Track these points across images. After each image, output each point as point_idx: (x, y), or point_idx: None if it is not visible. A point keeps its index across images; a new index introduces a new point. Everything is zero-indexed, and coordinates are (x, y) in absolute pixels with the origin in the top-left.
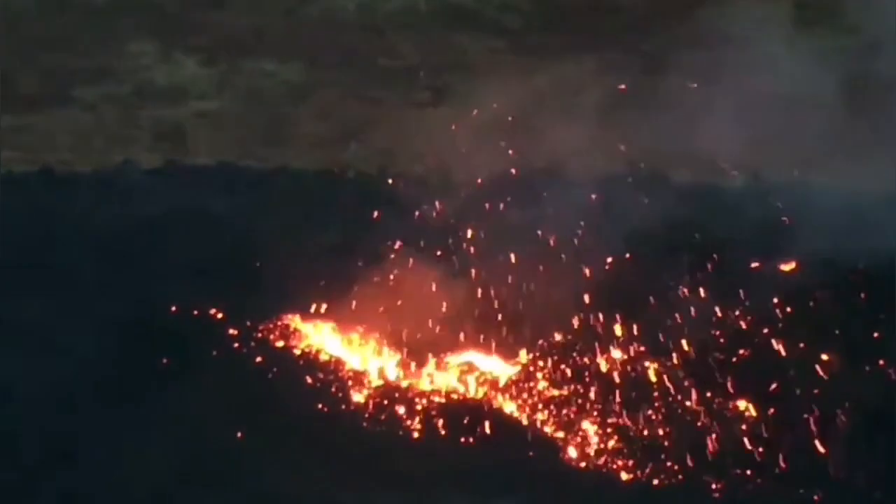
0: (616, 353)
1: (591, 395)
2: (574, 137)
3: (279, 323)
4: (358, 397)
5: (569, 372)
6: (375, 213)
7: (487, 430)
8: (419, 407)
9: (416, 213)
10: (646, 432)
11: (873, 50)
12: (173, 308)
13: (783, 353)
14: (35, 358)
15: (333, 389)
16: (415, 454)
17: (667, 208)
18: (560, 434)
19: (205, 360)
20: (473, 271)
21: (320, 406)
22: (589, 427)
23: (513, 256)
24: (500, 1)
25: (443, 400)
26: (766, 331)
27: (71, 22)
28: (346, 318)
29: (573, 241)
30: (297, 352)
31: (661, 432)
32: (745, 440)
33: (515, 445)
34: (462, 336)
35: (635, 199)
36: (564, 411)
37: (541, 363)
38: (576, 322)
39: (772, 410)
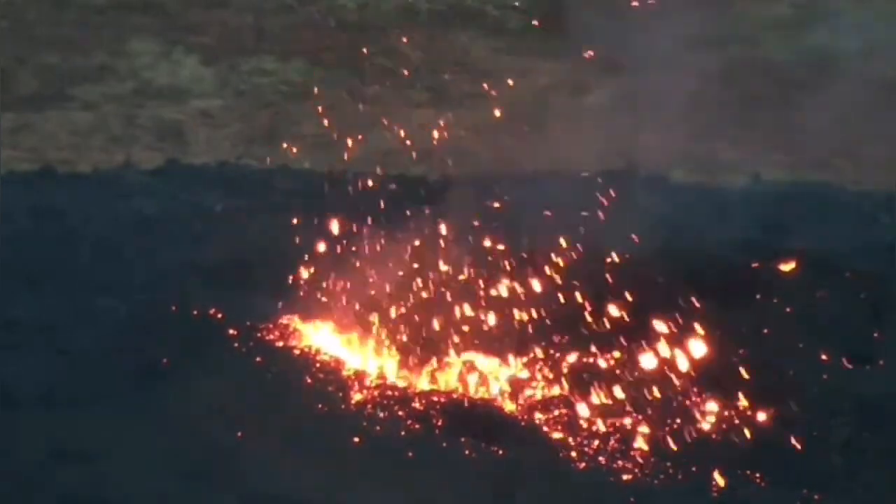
0: (616, 354)
1: (591, 395)
2: (574, 137)
3: (279, 323)
4: (358, 397)
5: (569, 372)
6: (375, 214)
7: (487, 430)
8: (419, 407)
9: (416, 213)
10: (646, 432)
11: None
12: (173, 308)
13: (783, 353)
14: (35, 358)
15: (333, 389)
16: (415, 454)
17: (666, 208)
18: (560, 434)
19: (205, 360)
20: (474, 271)
21: (320, 406)
22: (589, 427)
23: (513, 256)
24: (501, 1)
25: (443, 400)
26: (766, 331)
27: (71, 21)
28: (345, 318)
29: (573, 241)
30: (297, 352)
31: (661, 432)
32: (746, 440)
33: (515, 445)
34: (462, 336)
35: (635, 198)
36: (564, 411)
37: (541, 363)
38: (576, 322)
39: (772, 410)
